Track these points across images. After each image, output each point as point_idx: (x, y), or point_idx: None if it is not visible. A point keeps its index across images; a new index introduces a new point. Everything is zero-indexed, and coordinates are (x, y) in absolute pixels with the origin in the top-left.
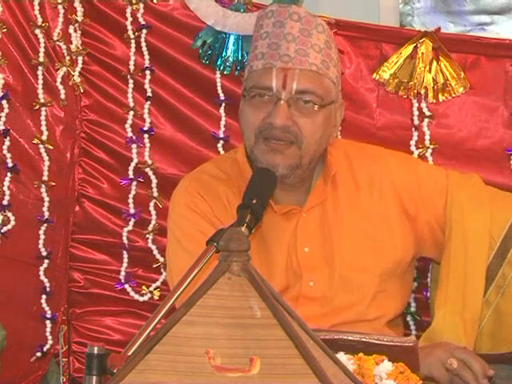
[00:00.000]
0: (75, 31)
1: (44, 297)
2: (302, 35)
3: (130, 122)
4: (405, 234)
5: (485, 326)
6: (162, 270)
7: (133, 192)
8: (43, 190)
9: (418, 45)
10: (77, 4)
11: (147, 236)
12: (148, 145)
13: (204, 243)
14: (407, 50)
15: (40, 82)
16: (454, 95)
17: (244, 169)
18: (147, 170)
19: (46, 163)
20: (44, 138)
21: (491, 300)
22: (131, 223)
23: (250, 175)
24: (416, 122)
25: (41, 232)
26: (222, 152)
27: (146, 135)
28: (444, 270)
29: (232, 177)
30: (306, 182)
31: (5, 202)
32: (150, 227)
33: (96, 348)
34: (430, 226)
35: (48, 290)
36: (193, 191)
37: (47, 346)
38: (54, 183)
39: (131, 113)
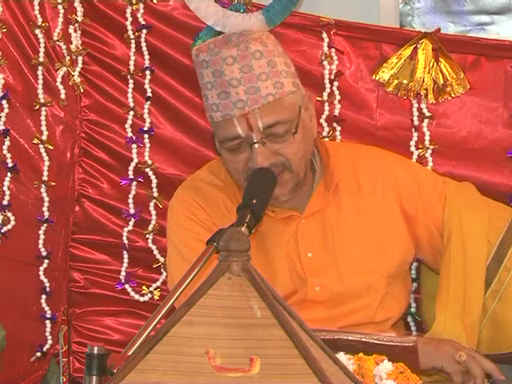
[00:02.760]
0: (75, 31)
1: (44, 297)
2: (245, 73)
3: (129, 122)
4: (406, 234)
5: (482, 331)
6: (162, 270)
7: (133, 192)
8: (43, 190)
9: (418, 45)
10: (77, 4)
11: (147, 236)
12: (148, 145)
13: None
14: (407, 50)
15: (40, 82)
16: (453, 96)
17: None
18: (147, 169)
19: (46, 163)
20: (44, 138)
21: (488, 305)
22: (131, 223)
23: (245, 184)
24: (416, 122)
25: (41, 232)
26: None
27: (146, 135)
28: (444, 274)
29: (227, 184)
30: (307, 185)
31: (5, 202)
32: (150, 227)
33: (96, 348)
34: (428, 229)
35: (48, 289)
36: (190, 200)
37: (47, 346)
38: (53, 183)
39: (131, 113)
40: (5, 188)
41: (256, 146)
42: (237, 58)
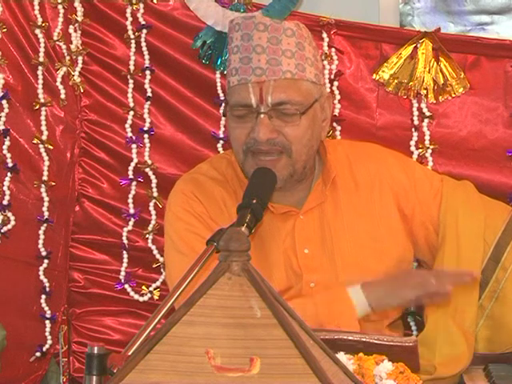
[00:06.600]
0: (75, 31)
1: (44, 297)
2: (272, 44)
3: (129, 122)
4: (403, 232)
5: (480, 331)
6: (161, 270)
7: (133, 192)
8: (43, 189)
9: (418, 45)
10: (77, 4)
11: (147, 236)
12: (148, 145)
13: (198, 245)
14: (407, 50)
15: (40, 81)
16: (454, 95)
17: (239, 172)
18: (147, 170)
19: (46, 163)
20: (44, 137)
21: (485, 305)
22: (131, 223)
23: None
24: (416, 122)
25: (41, 232)
26: (222, 152)
27: (145, 135)
28: None
29: (228, 178)
30: (306, 182)
31: (5, 202)
32: (150, 227)
33: (96, 348)
34: (424, 227)
35: (48, 289)
36: (188, 193)
37: (47, 346)
38: (53, 183)
39: (131, 113)
40: (5, 188)
41: (262, 116)
42: (269, 27)
